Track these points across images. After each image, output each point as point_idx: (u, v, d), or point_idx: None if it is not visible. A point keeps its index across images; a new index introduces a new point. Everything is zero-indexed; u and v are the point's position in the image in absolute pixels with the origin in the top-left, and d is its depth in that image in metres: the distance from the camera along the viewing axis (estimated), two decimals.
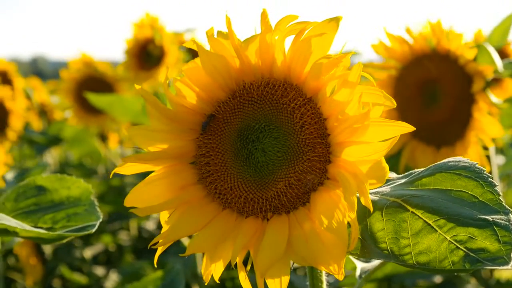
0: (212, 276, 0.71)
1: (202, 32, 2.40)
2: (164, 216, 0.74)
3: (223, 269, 0.70)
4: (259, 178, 0.72)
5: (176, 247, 2.90)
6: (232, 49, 0.71)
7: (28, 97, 3.77)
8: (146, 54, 2.30)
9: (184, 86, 0.74)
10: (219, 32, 0.72)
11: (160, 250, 0.74)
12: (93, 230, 0.85)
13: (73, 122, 3.10)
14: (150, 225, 3.17)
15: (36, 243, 2.29)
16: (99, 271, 2.94)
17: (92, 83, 2.96)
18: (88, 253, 2.58)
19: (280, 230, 0.68)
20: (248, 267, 0.69)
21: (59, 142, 3.28)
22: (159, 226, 3.37)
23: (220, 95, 0.74)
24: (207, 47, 0.72)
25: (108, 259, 3.03)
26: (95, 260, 2.83)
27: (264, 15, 0.69)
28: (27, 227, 0.85)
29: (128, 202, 0.72)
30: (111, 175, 0.75)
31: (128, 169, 0.73)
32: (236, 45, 0.70)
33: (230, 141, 0.74)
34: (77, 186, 0.95)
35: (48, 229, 0.90)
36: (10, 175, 1.82)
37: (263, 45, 0.70)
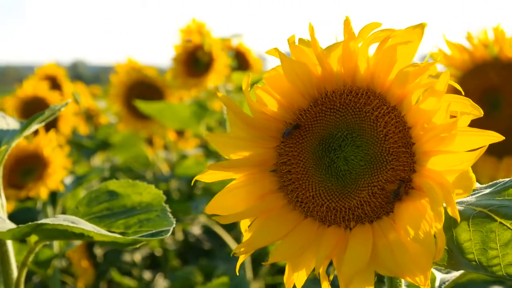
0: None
1: (248, 38, 2.41)
2: (244, 224, 0.74)
3: (305, 278, 0.70)
4: (341, 187, 0.71)
5: (223, 252, 2.92)
6: (314, 56, 0.71)
7: (75, 101, 3.82)
8: (194, 61, 2.31)
9: (265, 93, 0.74)
10: (301, 40, 0.72)
11: (242, 258, 0.74)
12: (168, 235, 0.86)
13: (121, 127, 3.14)
14: (195, 230, 3.19)
15: (88, 246, 2.32)
16: (146, 275, 2.96)
17: (141, 88, 2.99)
18: (138, 257, 2.59)
19: (364, 239, 0.67)
20: (331, 277, 0.69)
21: (108, 147, 3.32)
22: (205, 231, 3.39)
23: (302, 102, 0.74)
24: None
25: (153, 263, 3.05)
26: (135, 264, 2.85)
27: (347, 22, 0.69)
28: (103, 231, 0.86)
29: (209, 209, 0.73)
30: (192, 182, 0.76)
31: (209, 176, 0.74)
32: (318, 53, 0.70)
33: (311, 149, 0.74)
34: (149, 192, 0.96)
35: (120, 234, 0.91)
36: (68, 179, 1.84)
37: (346, 52, 0.70)
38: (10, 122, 1.09)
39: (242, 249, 0.72)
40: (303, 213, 0.73)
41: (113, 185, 0.97)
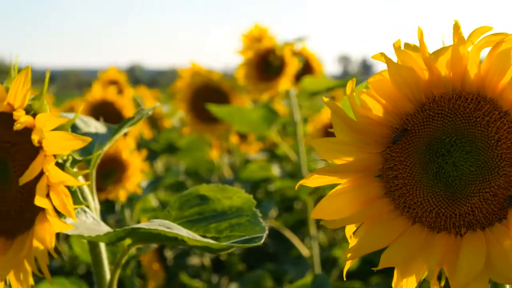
0: None
1: (312, 42, 2.40)
2: (349, 230, 0.73)
3: (415, 285, 0.69)
4: (451, 193, 0.70)
5: (289, 256, 2.91)
6: (421, 61, 0.70)
7: (138, 105, 3.87)
8: (265, 65, 2.31)
9: (370, 98, 0.73)
10: (406, 44, 0.71)
11: (348, 264, 0.73)
12: (261, 242, 0.86)
13: (187, 131, 3.16)
14: None
15: (159, 249, 2.34)
16: (213, 279, 2.97)
17: (206, 93, 3.00)
18: (206, 260, 2.61)
19: (477, 246, 0.66)
20: (442, 283, 0.67)
21: (174, 150, 3.34)
22: (269, 234, 3.39)
23: (408, 107, 0.73)
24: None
25: (218, 267, 3.05)
26: (205, 267, 2.86)
27: (456, 26, 0.67)
28: (198, 237, 0.86)
29: (315, 214, 0.72)
30: (296, 187, 0.75)
31: (314, 181, 0.73)
32: (427, 57, 0.69)
33: (418, 154, 0.72)
34: (239, 196, 0.96)
35: (212, 238, 0.91)
36: (143, 182, 1.87)
37: (455, 56, 0.68)
38: (97, 126, 1.11)
39: (349, 255, 0.71)
40: (411, 219, 0.72)
41: (203, 189, 0.98)
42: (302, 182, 0.74)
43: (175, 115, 4.61)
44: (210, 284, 2.55)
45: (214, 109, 2.15)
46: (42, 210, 0.81)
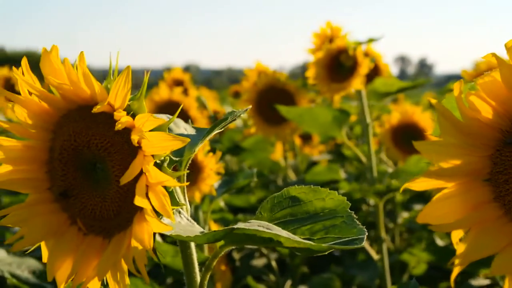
0: None
1: (381, 42, 2.35)
2: (455, 235, 0.71)
3: None
4: None
5: (355, 260, 2.88)
6: None
7: (202, 105, 3.89)
8: (337, 65, 2.28)
9: (479, 100, 0.71)
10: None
11: (457, 270, 0.71)
12: (362, 244, 0.84)
13: (253, 132, 3.15)
14: None
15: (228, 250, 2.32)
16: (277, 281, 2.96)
17: (272, 93, 2.99)
18: (273, 262, 2.59)
19: None
20: None
21: (239, 151, 3.35)
22: None
23: None
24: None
25: (280, 269, 3.04)
26: (272, 268, 2.84)
27: None
28: (296, 238, 0.86)
29: (421, 218, 0.71)
30: (401, 189, 0.74)
31: (419, 184, 0.72)
32: None
33: None
34: (332, 198, 0.94)
35: (305, 240, 0.89)
36: (215, 183, 1.86)
37: None
38: (186, 127, 1.11)
39: (457, 261, 0.69)
40: None
41: (294, 190, 0.97)
42: (407, 185, 0.72)
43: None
44: (278, 287, 2.54)
45: (284, 110, 2.14)
46: (139, 210, 0.82)
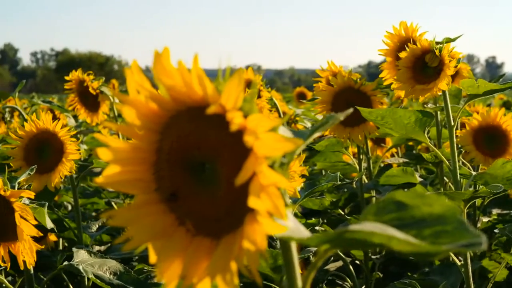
0: None
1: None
2: None
3: None
4: None
5: (433, 265, 2.82)
6: None
7: (274, 107, 3.89)
8: (422, 66, 2.24)
9: None
10: None
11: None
12: (484, 247, 0.81)
13: (326, 133, 3.13)
14: None
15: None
16: (346, 285, 2.93)
17: (346, 94, 2.96)
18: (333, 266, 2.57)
19: None
20: None
21: (311, 153, 3.33)
22: None
23: None
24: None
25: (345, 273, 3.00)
26: (349, 271, 2.82)
27: None
28: (412, 239, 0.84)
29: None
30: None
31: None
32: None
33: None
34: (440, 204, 0.92)
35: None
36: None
37: None
38: (284, 130, 1.10)
39: None
40: None
41: (400, 195, 0.95)
42: None
43: (308, 117, 4.61)
44: None
45: (366, 111, 2.10)
46: (250, 211, 0.81)
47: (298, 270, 0.97)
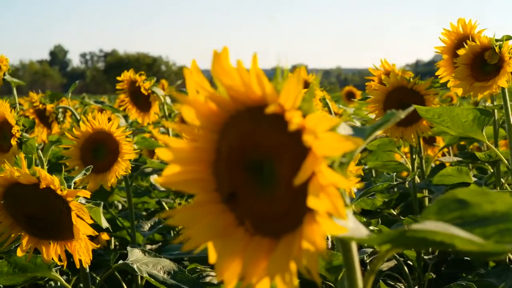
0: None
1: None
2: None
3: None
4: None
5: (488, 265, 2.77)
6: None
7: (326, 106, 3.87)
8: (480, 63, 2.20)
9: None
10: None
11: None
12: None
13: (379, 133, 3.10)
14: None
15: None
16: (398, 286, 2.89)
17: (399, 93, 2.93)
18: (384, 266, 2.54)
19: None
20: None
21: (363, 152, 3.31)
22: None
23: None
24: None
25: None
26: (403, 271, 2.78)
27: None
28: (475, 238, 0.82)
29: None
30: None
31: None
32: None
33: None
34: (503, 201, 0.90)
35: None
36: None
37: None
38: (345, 127, 1.09)
39: None
40: None
41: (461, 193, 0.93)
42: None
43: (358, 116, 4.58)
44: None
45: (422, 109, 2.07)
46: (310, 211, 0.81)
47: (359, 272, 0.96)
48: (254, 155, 0.86)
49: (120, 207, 4.28)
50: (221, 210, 0.90)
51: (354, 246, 0.95)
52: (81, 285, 2.93)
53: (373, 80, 3.17)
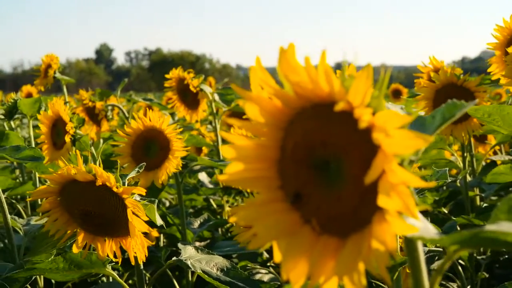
0: None
1: None
2: None
3: None
4: None
5: None
6: None
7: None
8: None
9: None
10: None
11: None
12: None
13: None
14: None
15: None
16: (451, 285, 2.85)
17: (450, 91, 2.88)
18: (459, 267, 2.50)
19: None
20: None
21: None
22: None
23: None
24: None
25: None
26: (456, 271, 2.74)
27: None
28: None
29: None
30: None
31: None
32: None
33: None
34: None
35: None
36: None
37: None
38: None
39: None
40: None
41: None
42: None
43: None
44: None
45: (472, 108, 2.03)
46: (379, 210, 0.79)
47: (425, 272, 0.94)
48: (320, 153, 0.85)
49: (167, 204, 4.30)
50: (286, 208, 0.88)
51: (420, 246, 0.93)
52: (131, 281, 2.97)
53: (421, 77, 3.12)
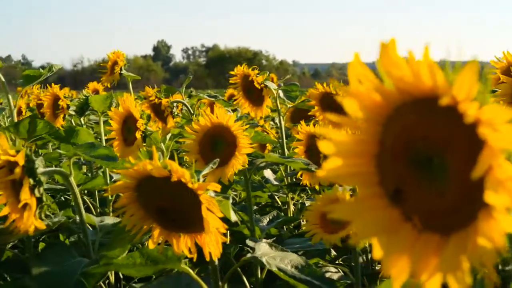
0: None
1: None
2: None
3: None
4: None
5: None
6: None
7: None
8: None
9: None
10: None
11: None
12: None
13: None
14: None
15: None
16: None
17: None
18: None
19: None
20: None
21: None
22: None
23: None
24: None
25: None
26: None
27: None
28: None
29: None
30: None
31: None
32: None
33: None
34: None
35: None
36: None
37: None
38: None
39: None
40: None
41: None
42: None
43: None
44: None
45: None
46: (484, 206, 0.78)
47: None
48: (422, 148, 0.83)
49: (230, 201, 4.31)
50: (385, 205, 0.87)
51: None
52: (203, 274, 2.99)
53: (495, 73, 3.05)
